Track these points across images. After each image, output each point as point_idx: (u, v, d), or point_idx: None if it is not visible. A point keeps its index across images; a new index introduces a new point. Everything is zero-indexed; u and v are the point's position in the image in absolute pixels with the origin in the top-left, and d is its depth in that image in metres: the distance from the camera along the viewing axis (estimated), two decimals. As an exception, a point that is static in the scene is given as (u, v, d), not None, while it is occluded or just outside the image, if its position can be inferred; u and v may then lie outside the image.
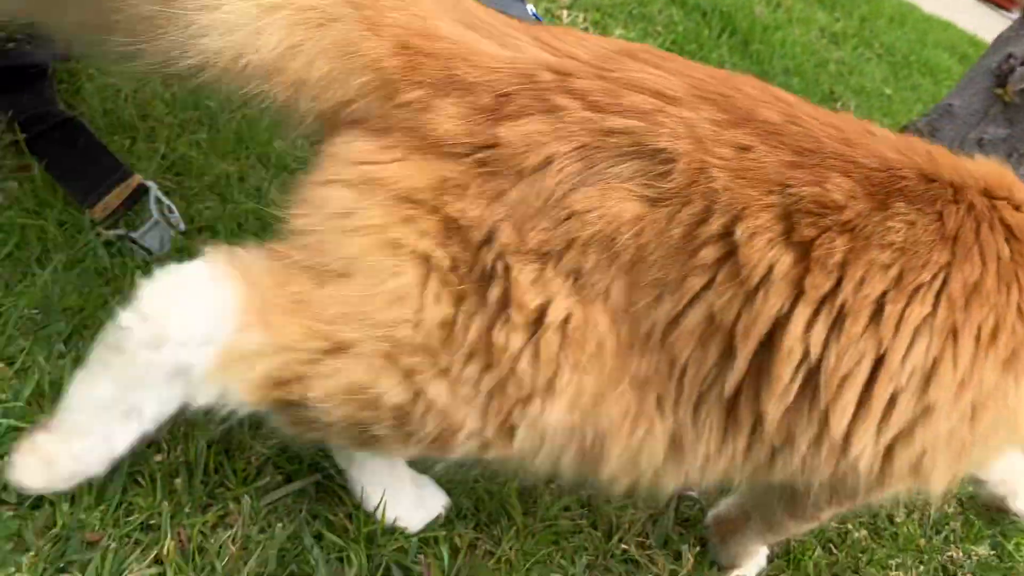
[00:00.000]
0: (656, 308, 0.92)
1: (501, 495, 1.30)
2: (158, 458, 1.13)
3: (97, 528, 1.04)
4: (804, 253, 0.91)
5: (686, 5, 3.51)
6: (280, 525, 1.14)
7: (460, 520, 1.26)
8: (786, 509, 1.23)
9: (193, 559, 1.07)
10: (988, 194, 0.99)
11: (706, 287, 0.91)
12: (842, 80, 3.64)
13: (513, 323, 0.91)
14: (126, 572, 1.02)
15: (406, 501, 1.21)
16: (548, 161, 0.89)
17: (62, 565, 1.00)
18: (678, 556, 1.35)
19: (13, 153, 1.43)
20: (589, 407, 0.94)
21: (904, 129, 2.81)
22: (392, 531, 1.20)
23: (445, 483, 1.27)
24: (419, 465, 1.24)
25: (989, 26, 4.83)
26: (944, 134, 2.68)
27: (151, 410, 0.94)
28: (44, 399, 1.13)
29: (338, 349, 0.92)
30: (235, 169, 1.62)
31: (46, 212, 1.36)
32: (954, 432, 0.99)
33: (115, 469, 1.09)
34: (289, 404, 0.95)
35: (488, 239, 0.90)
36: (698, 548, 1.36)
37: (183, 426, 1.17)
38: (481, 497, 1.29)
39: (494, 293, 0.91)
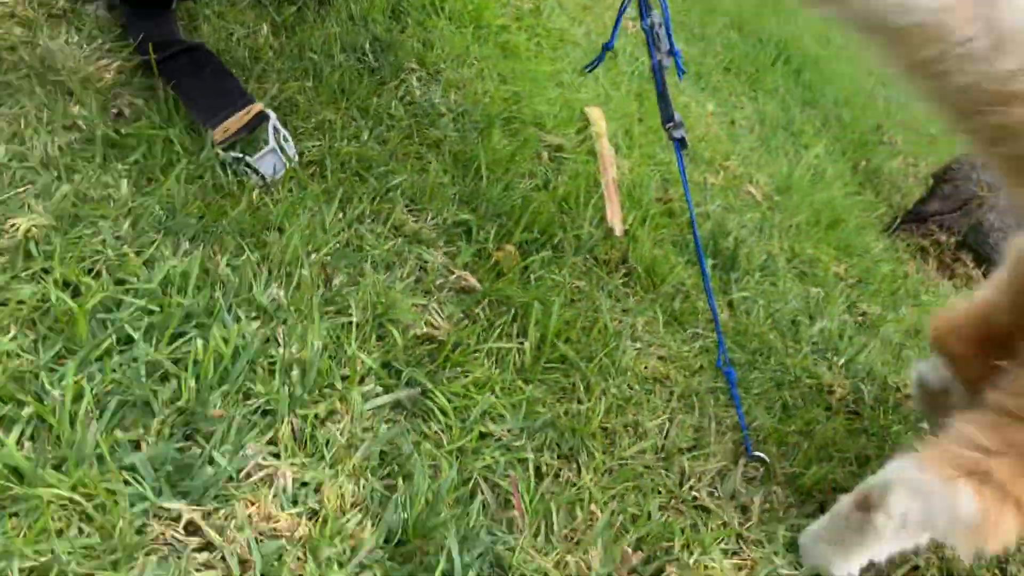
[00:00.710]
0: None
1: (583, 433, 1.35)
2: (275, 351, 1.19)
3: (219, 406, 1.10)
4: None
5: (743, 30, 3.61)
6: (383, 428, 1.20)
7: (547, 449, 1.31)
8: None
9: (305, 445, 1.12)
10: None
11: None
12: (890, 116, 3.72)
13: None
14: (246, 446, 1.07)
15: None
16: None
17: (188, 431, 1.06)
18: (745, 509, 1.39)
19: (141, 75, 1.50)
20: None
21: (955, 162, 2.89)
22: (481, 451, 1.25)
23: (536, 414, 1.33)
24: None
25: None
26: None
27: None
28: (172, 287, 1.19)
29: None
30: (337, 116, 1.69)
31: (170, 129, 1.43)
32: None
33: (236, 356, 1.15)
34: None
35: None
36: (767, 506, 1.41)
37: (299, 326, 1.23)
38: (565, 432, 1.34)
39: None
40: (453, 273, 1.51)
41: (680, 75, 1.50)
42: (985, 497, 1.17)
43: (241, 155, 1.44)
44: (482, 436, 1.27)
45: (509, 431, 1.30)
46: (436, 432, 1.25)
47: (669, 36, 1.49)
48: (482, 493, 1.21)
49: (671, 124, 1.50)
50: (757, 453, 1.46)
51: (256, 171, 1.45)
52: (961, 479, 1.18)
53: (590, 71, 2.13)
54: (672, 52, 1.49)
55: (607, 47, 1.72)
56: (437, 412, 1.27)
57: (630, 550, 1.21)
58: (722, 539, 1.31)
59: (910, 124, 3.75)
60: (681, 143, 1.51)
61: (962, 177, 2.82)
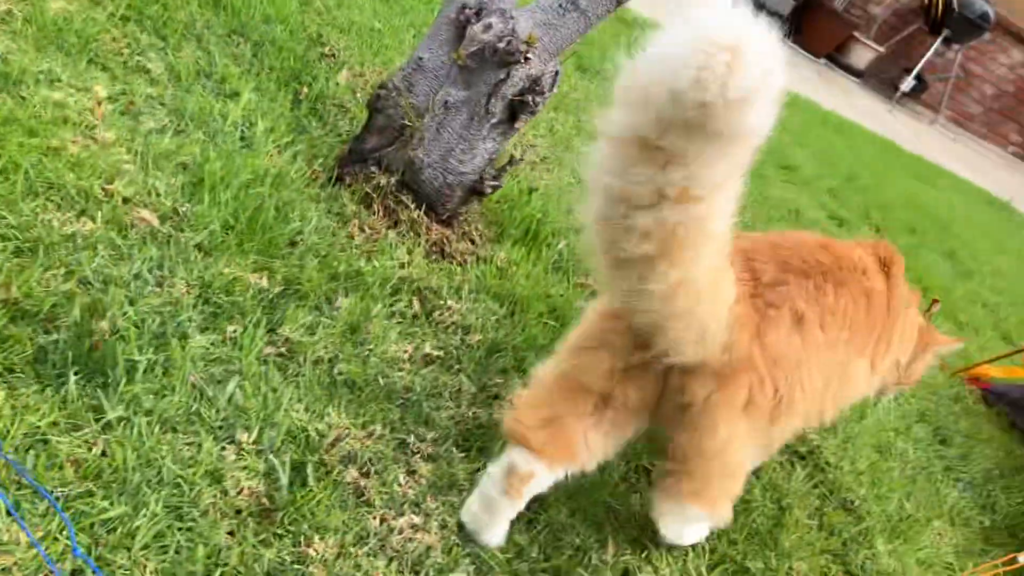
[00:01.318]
0: None
1: None
2: None
3: None
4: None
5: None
6: None
7: None
8: None
9: None
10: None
11: None
12: (329, 19, 3.49)
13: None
14: None
15: None
16: None
17: None
18: None
19: None
20: None
21: (382, 87, 2.75)
22: None
23: None
24: None
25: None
26: (419, 90, 2.66)
27: None
28: None
29: None
30: None
31: None
32: None
33: None
34: None
35: None
36: None
37: None
38: None
39: None
40: None
41: None
42: (541, 455, 1.72)
43: None
44: None
45: None
46: None
47: None
48: None
49: None
50: None
51: None
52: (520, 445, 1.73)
53: None
54: None
55: None
56: None
57: None
58: None
59: (352, 24, 3.55)
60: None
61: (392, 105, 2.69)
